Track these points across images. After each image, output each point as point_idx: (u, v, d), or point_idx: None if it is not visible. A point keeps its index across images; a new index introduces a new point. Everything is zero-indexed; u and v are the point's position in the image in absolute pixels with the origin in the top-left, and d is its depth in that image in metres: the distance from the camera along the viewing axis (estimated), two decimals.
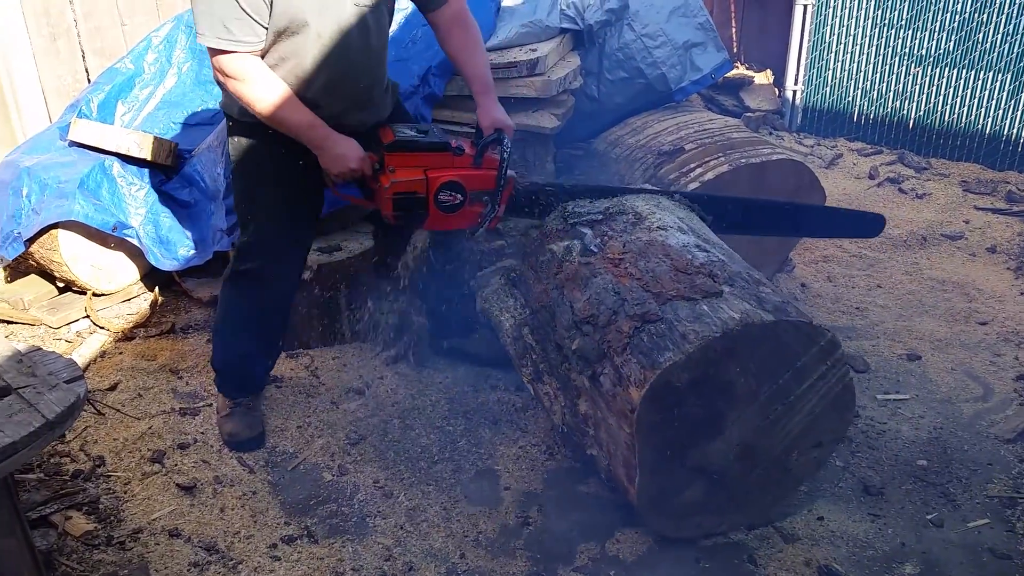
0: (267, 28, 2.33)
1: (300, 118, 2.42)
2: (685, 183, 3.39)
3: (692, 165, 3.47)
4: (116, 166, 3.61)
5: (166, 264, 3.59)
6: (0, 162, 3.73)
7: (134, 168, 3.65)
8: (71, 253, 3.55)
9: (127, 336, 3.47)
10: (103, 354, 3.35)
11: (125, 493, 2.61)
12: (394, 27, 3.68)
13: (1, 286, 3.82)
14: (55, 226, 3.47)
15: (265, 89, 2.36)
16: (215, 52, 2.32)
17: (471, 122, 3.69)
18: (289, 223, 2.63)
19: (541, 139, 3.87)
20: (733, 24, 6.14)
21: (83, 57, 4.17)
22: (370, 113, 2.65)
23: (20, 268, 3.83)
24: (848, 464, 2.74)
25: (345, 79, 2.51)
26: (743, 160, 3.43)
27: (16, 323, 3.55)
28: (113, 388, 3.11)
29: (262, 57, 2.41)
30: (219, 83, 2.45)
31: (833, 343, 2.26)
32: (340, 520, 2.52)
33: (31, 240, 3.51)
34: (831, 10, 5.35)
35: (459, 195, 2.53)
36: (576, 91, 4.06)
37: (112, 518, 2.51)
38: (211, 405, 2.99)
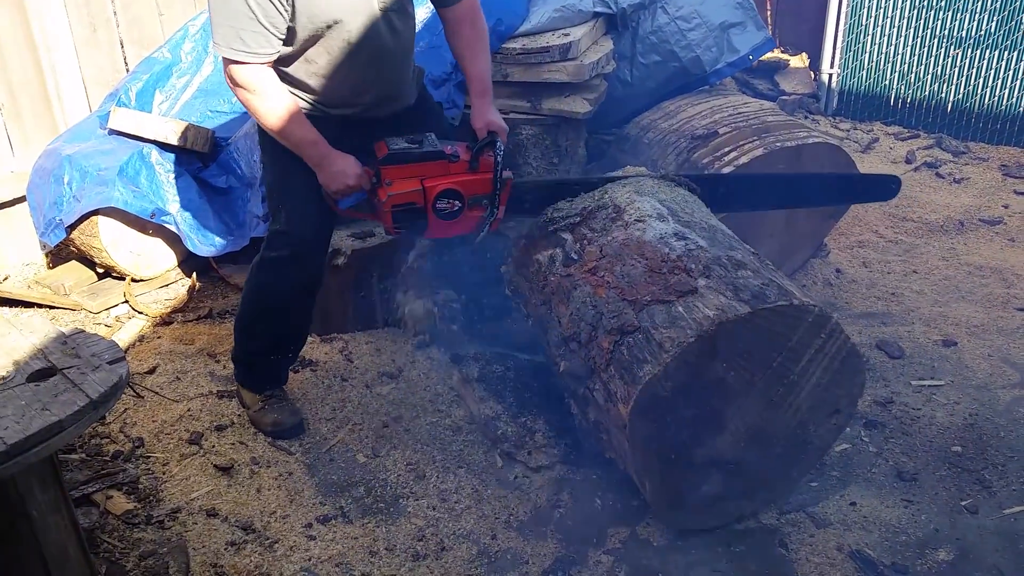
0: (282, 39, 2.35)
1: (303, 134, 2.44)
2: (719, 167, 3.36)
3: (726, 149, 3.44)
4: (154, 154, 3.67)
5: (203, 250, 3.65)
6: (43, 150, 3.81)
7: (172, 156, 3.71)
8: (111, 239, 3.63)
9: (165, 321, 3.54)
10: (142, 338, 3.42)
11: (164, 473, 2.67)
12: (428, 14, 3.71)
13: (43, 272, 3.91)
14: (95, 213, 3.55)
15: (273, 103, 2.39)
16: (228, 61, 2.35)
17: (503, 108, 3.70)
18: (319, 211, 2.66)
19: (573, 124, 3.85)
20: (768, 6, 6.07)
21: (122, 47, 4.23)
22: (397, 104, 2.68)
23: (61, 254, 3.92)
24: (881, 450, 2.72)
25: (374, 77, 2.54)
26: (778, 144, 3.39)
27: (57, 308, 3.63)
28: (152, 371, 3.17)
29: (291, 60, 2.44)
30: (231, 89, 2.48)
31: (822, 316, 2.18)
32: (374, 500, 2.56)
33: (72, 227, 3.59)
34: None
35: (457, 202, 2.52)
36: (609, 75, 4.04)
37: (151, 498, 2.57)
38: None
